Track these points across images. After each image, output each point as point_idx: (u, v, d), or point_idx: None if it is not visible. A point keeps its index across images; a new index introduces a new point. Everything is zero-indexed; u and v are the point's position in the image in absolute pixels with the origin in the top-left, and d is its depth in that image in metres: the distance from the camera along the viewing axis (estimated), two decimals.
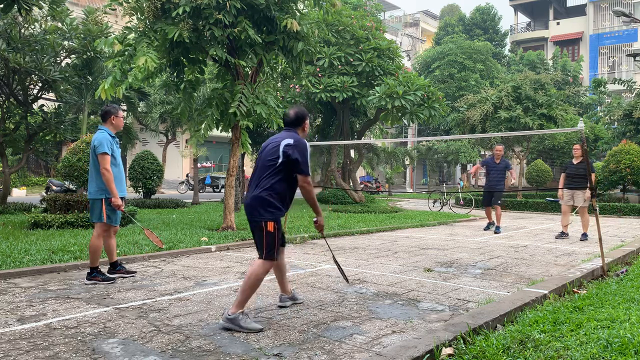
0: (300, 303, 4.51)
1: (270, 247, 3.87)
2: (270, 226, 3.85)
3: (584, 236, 9.67)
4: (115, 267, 5.67)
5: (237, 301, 3.77)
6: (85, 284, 5.29)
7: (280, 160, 3.88)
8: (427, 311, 4.36)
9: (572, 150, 10.18)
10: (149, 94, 17.73)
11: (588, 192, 9.08)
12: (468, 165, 37.49)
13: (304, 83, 15.27)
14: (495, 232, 10.78)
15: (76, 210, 9.80)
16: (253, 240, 4.25)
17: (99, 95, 8.53)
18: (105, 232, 5.51)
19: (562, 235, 9.98)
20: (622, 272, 5.96)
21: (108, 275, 5.52)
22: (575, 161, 10.02)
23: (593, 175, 9.60)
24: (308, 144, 4.03)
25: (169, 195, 23.12)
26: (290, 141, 3.92)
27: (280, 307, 4.38)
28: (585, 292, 4.93)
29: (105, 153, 5.32)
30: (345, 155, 19.85)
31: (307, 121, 4.24)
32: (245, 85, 9.10)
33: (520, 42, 43.93)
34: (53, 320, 3.97)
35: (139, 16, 8.69)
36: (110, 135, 5.55)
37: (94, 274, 5.36)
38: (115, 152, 5.53)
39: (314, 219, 4.25)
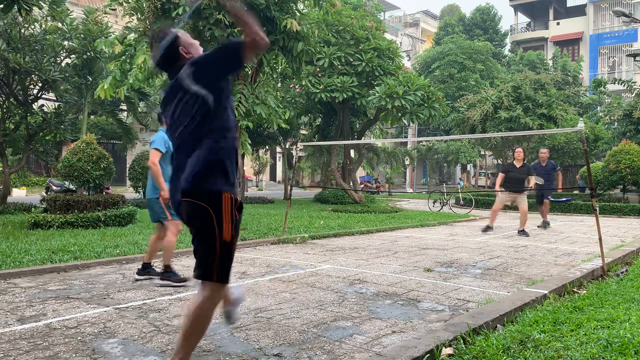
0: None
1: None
2: None
3: (523, 232, 10.02)
4: (146, 268, 5.51)
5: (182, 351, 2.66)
6: (157, 284, 5.21)
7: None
8: (427, 311, 4.36)
9: (515, 153, 10.37)
10: (149, 94, 17.73)
11: (533, 179, 9.92)
12: (468, 165, 37.51)
13: (304, 83, 15.29)
14: (545, 228, 11.39)
15: (76, 210, 9.80)
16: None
17: (98, 95, 8.54)
18: (164, 230, 5.39)
19: (488, 229, 10.39)
20: (622, 272, 5.96)
21: (179, 276, 5.34)
22: (517, 164, 10.20)
23: (533, 178, 9.91)
24: None
25: None
26: (192, 68, 2.60)
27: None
28: (585, 292, 4.93)
29: (157, 149, 5.21)
30: (345, 155, 19.85)
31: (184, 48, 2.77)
32: (245, 85, 9.11)
33: (520, 42, 43.94)
34: (53, 320, 3.96)
35: (139, 16, 8.70)
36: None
37: (167, 273, 5.26)
38: (169, 152, 5.41)
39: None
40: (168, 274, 5.27)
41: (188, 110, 2.60)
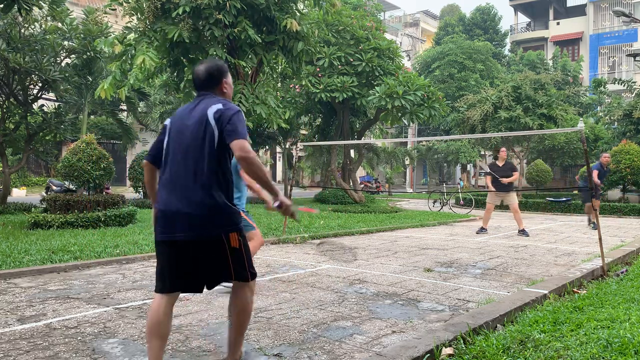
0: None
1: (250, 260, 2.88)
2: (239, 238, 2.80)
3: (523, 232, 10.00)
4: None
5: (238, 344, 2.95)
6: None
7: (216, 136, 2.69)
8: (427, 311, 4.35)
9: (499, 153, 10.48)
10: (149, 94, 17.73)
11: (516, 175, 10.08)
12: (468, 165, 37.49)
13: (304, 83, 15.28)
14: (594, 228, 11.29)
15: (76, 210, 9.80)
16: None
17: (98, 95, 8.54)
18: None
19: (482, 231, 10.39)
20: (622, 272, 5.96)
21: None
22: (500, 163, 10.29)
23: (516, 174, 9.95)
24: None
25: None
26: (219, 106, 2.74)
27: None
28: (585, 292, 4.93)
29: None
30: (345, 155, 19.85)
31: (227, 79, 2.97)
32: (245, 85, 9.11)
33: (520, 42, 43.92)
34: (53, 320, 3.96)
35: (139, 16, 8.70)
36: None
37: None
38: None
39: (276, 203, 2.79)
40: None
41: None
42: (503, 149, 10.56)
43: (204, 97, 2.85)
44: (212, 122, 2.68)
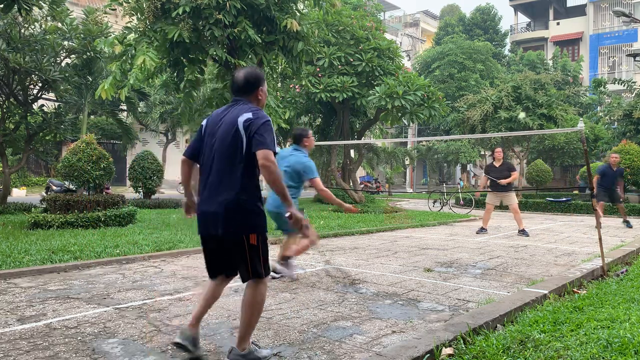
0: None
1: (267, 260, 3.12)
2: (259, 238, 3.04)
3: (523, 232, 9.99)
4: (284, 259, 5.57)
5: (246, 335, 3.09)
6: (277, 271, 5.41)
7: (244, 143, 2.95)
8: (427, 311, 4.36)
9: (494, 153, 10.36)
10: (149, 94, 17.73)
11: (515, 175, 10.04)
12: (468, 165, 37.49)
13: (304, 83, 15.28)
14: (628, 227, 11.87)
15: (76, 210, 9.80)
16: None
17: (99, 95, 8.55)
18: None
19: (482, 231, 10.35)
20: (622, 272, 5.96)
21: (293, 272, 5.56)
22: (497, 164, 10.22)
23: (514, 175, 9.93)
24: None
25: (169, 195, 23.12)
26: (249, 115, 2.97)
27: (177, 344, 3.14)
28: (585, 292, 4.93)
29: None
30: (345, 155, 19.84)
31: (263, 88, 3.20)
32: None
33: (520, 42, 43.93)
34: (53, 320, 3.96)
35: (139, 16, 8.70)
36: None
37: (284, 262, 5.48)
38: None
39: (287, 214, 3.03)
40: (285, 263, 5.45)
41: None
42: (498, 149, 10.46)
43: (238, 102, 3.12)
44: (242, 130, 2.94)
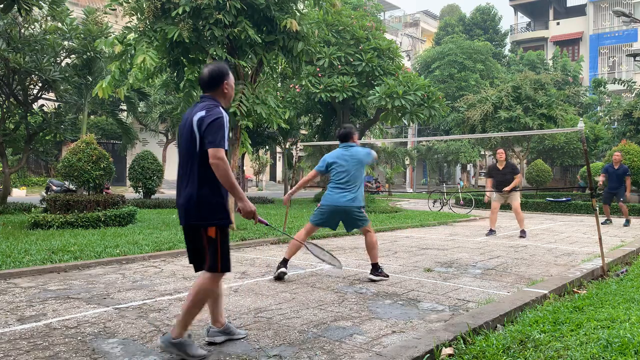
0: (242, 339, 3.52)
1: (225, 255, 3.18)
2: (218, 232, 3.16)
3: (523, 233, 9.93)
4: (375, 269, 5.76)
5: (181, 323, 3.14)
6: (371, 278, 5.60)
7: (198, 141, 3.09)
8: (427, 311, 4.35)
9: (497, 155, 10.28)
10: (149, 94, 17.73)
11: (519, 178, 10.02)
12: (468, 165, 37.49)
13: (304, 83, 15.29)
14: (625, 225, 12.12)
15: (76, 210, 9.80)
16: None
17: (96, 94, 8.55)
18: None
19: (491, 232, 10.26)
20: (622, 272, 5.96)
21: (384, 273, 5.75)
22: (500, 166, 10.16)
23: (517, 178, 9.87)
24: (225, 115, 3.16)
25: (169, 195, 23.13)
26: (202, 114, 3.10)
27: (209, 343, 3.44)
28: (585, 292, 4.93)
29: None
30: None
31: (229, 81, 3.27)
32: (245, 85, 9.11)
33: (520, 42, 43.95)
34: (53, 320, 3.96)
35: (139, 16, 8.69)
36: None
37: (379, 269, 5.69)
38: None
39: (237, 207, 3.23)
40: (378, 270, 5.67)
41: None
42: (500, 150, 10.30)
43: (203, 100, 3.24)
44: (195, 128, 3.10)
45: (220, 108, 3.17)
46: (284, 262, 5.62)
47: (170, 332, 3.18)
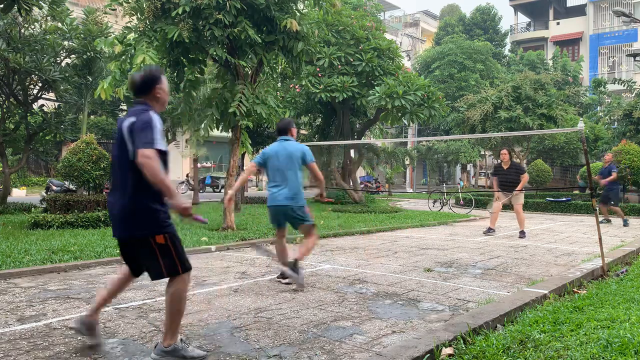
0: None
1: (181, 256, 3.15)
2: (165, 239, 3.09)
3: (523, 234, 9.92)
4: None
5: (169, 331, 3.13)
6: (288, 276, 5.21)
7: (129, 147, 3.03)
8: (427, 311, 4.35)
9: (500, 155, 10.25)
10: None
11: (525, 177, 10.02)
12: (468, 165, 37.47)
13: (304, 83, 15.28)
14: (625, 225, 12.25)
15: (76, 210, 9.80)
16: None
17: (98, 95, 8.55)
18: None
19: (490, 231, 10.28)
20: (622, 272, 5.96)
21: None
22: (505, 166, 10.12)
23: (524, 178, 9.82)
24: (156, 117, 3.08)
25: None
26: (132, 119, 3.05)
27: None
28: (585, 292, 4.93)
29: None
30: (345, 155, 19.83)
31: (161, 85, 3.21)
32: (245, 85, 9.11)
33: (520, 42, 43.94)
34: (53, 320, 3.97)
35: (139, 16, 8.69)
36: None
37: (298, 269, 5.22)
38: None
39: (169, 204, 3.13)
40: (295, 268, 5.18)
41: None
42: (504, 150, 10.21)
43: (134, 105, 3.19)
44: (126, 135, 3.05)
45: (152, 112, 3.07)
46: (294, 265, 5.27)
47: (160, 342, 3.15)
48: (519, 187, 9.81)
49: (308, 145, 5.69)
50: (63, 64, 13.16)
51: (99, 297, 3.37)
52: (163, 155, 3.02)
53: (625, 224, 12.31)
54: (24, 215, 10.85)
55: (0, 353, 3.23)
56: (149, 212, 3.04)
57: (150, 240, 3.06)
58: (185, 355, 3.11)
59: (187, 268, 3.17)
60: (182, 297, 3.16)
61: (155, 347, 3.18)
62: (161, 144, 2.98)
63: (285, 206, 5.28)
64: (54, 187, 15.82)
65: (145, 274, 3.26)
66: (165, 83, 3.27)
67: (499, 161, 10.43)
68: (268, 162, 5.37)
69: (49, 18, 12.65)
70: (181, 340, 3.17)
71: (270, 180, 5.38)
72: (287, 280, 5.33)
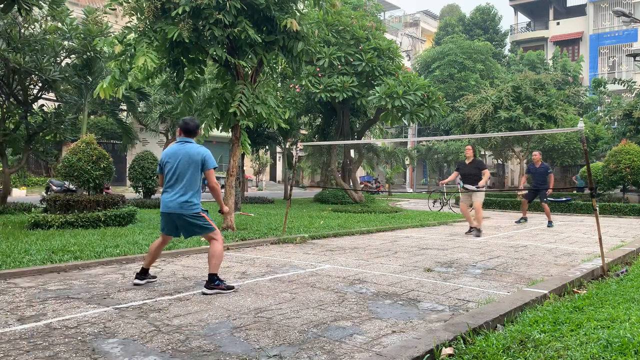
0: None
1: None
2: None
3: (477, 231, 9.99)
4: (145, 272, 5.31)
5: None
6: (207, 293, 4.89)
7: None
8: (427, 311, 4.35)
9: (465, 151, 10.48)
10: (149, 94, 17.72)
11: (487, 173, 10.16)
12: None
13: (304, 83, 15.28)
14: (549, 226, 11.97)
15: (76, 210, 9.80)
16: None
17: (98, 95, 8.54)
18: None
19: (472, 230, 10.25)
20: (622, 272, 5.96)
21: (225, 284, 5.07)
22: (467, 162, 10.35)
23: (485, 174, 9.92)
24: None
25: None
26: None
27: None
28: (585, 292, 4.93)
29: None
30: (345, 155, 19.83)
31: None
32: (245, 85, 9.10)
33: (520, 42, 43.93)
34: (53, 320, 3.96)
35: (139, 16, 8.68)
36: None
37: (216, 281, 4.95)
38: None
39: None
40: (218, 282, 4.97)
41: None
42: (468, 146, 10.40)
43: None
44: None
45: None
46: (144, 272, 5.20)
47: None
48: (481, 182, 9.98)
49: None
50: (63, 64, 13.15)
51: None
52: None
53: (550, 225, 12.00)
54: (24, 215, 10.85)
55: (0, 353, 3.23)
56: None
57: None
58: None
59: None
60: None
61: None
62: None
63: (178, 212, 4.97)
64: (54, 187, 15.82)
65: None
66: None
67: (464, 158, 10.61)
68: (165, 166, 5.08)
69: (48, 18, 12.64)
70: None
71: (165, 184, 5.09)
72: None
